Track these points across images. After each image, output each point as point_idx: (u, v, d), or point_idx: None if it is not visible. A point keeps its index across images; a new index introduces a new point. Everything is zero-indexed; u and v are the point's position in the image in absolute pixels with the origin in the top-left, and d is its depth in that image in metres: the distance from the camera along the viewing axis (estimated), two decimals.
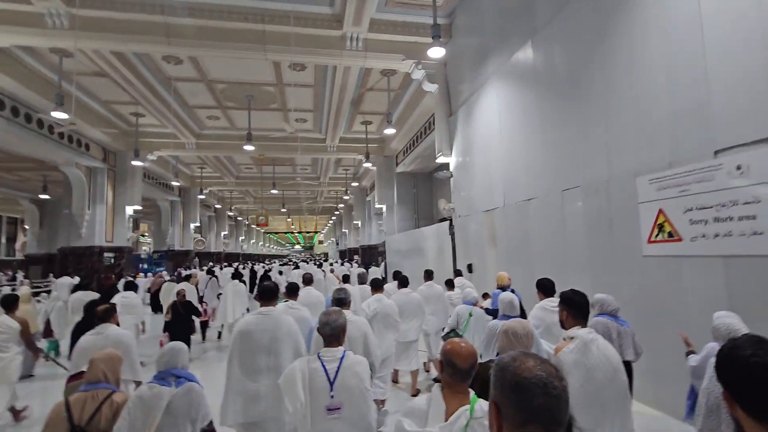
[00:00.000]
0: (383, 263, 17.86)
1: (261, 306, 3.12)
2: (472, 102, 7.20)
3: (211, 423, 2.27)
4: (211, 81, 10.50)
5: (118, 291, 8.59)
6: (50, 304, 7.60)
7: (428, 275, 5.93)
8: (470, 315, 4.40)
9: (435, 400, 1.69)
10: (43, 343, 6.78)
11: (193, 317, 6.81)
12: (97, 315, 3.50)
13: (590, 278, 4.25)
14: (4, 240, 30.91)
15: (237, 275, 11.02)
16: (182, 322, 6.51)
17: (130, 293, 6.86)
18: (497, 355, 2.24)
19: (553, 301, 3.37)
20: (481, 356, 3.18)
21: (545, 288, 3.64)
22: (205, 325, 9.01)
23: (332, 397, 2.11)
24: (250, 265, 23.75)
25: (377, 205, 16.11)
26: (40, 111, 9.91)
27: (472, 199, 7.19)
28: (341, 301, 3.41)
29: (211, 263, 24.65)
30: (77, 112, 11.07)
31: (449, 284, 6.21)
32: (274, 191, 19.44)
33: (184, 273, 14.03)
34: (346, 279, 6.69)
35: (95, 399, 2.06)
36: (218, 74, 10.17)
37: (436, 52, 5.94)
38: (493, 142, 6.40)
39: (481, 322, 4.32)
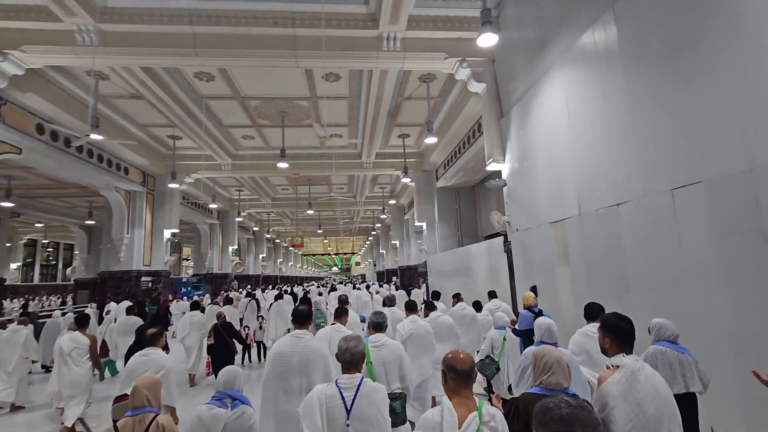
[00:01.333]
0: (424, 285, 16.79)
1: (295, 329, 3.21)
2: (529, 98, 6.23)
3: None
4: (244, 98, 10.19)
5: (170, 314, 10.77)
6: (104, 326, 8.45)
7: (457, 298, 6.32)
8: (504, 339, 4.33)
9: (447, 411, 1.83)
10: None
11: (234, 340, 7.06)
12: (146, 338, 3.78)
13: (725, 299, 3.11)
14: (61, 265, 32.63)
15: (280, 297, 11.54)
16: (224, 344, 6.82)
17: (197, 312, 8.19)
18: (537, 384, 2.02)
19: (596, 326, 3.02)
20: (516, 385, 3.17)
21: (591, 312, 3.48)
22: (247, 349, 9.19)
23: (348, 425, 2.08)
24: (290, 288, 23.72)
25: (417, 223, 15.18)
26: (77, 134, 9.94)
27: (535, 209, 6.12)
28: (379, 325, 3.43)
29: (249, 286, 24.53)
30: (116, 135, 11.12)
31: (477, 306, 6.18)
32: (310, 212, 19.02)
33: (229, 295, 13.68)
34: (389, 302, 6.10)
35: (142, 423, 2.15)
36: (251, 90, 9.84)
37: (488, 40, 5.09)
38: (560, 139, 5.37)
39: (516, 347, 4.26)
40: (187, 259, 32.08)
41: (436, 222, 14.38)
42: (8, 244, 26.94)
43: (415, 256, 20.85)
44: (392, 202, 18.99)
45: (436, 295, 7.01)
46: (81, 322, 5.39)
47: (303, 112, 11.23)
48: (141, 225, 13.18)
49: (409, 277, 21.48)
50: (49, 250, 31.89)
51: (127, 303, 10.38)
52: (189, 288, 19.56)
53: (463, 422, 1.78)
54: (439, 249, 14.08)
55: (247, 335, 9.06)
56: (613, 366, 2.04)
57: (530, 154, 6.28)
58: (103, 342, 8.01)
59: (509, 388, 4.21)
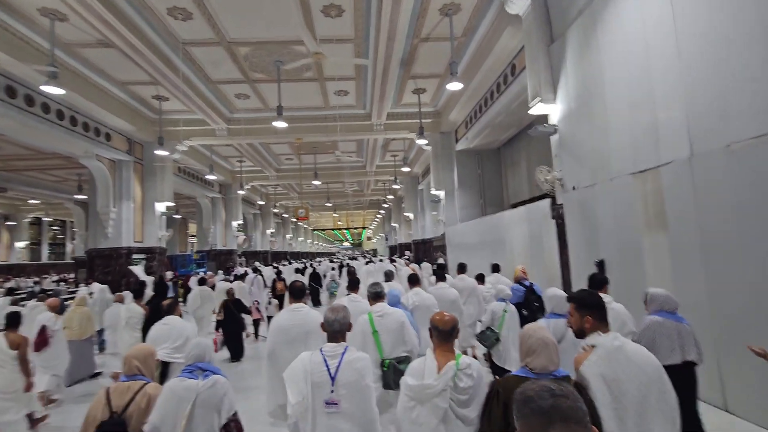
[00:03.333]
0: (441, 259, 15.44)
1: (291, 303, 3.41)
2: (597, 10, 4.57)
3: (236, 414, 2.35)
4: (231, 43, 8.61)
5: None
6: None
7: (461, 268, 6.35)
8: (505, 312, 4.47)
9: (428, 360, 2.13)
10: None
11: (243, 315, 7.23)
12: (163, 308, 4.13)
13: None
14: (70, 244, 32.03)
15: (298, 271, 12.78)
16: (233, 320, 6.95)
17: (206, 287, 8.41)
18: (522, 366, 1.89)
19: (605, 298, 2.77)
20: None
21: (596, 283, 3.39)
22: (257, 323, 9.07)
23: (332, 392, 2.14)
24: (304, 264, 22.70)
25: (433, 191, 13.66)
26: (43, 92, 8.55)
27: (604, 158, 4.58)
28: (378, 294, 3.54)
29: (257, 262, 23.57)
30: (92, 96, 9.71)
31: (480, 278, 6.18)
32: (316, 182, 17.61)
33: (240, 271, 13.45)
34: (386, 277, 5.88)
35: (131, 389, 2.23)
36: (238, 32, 8.24)
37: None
38: (655, 58, 3.76)
39: (516, 319, 4.51)
40: (194, 236, 31.23)
41: (456, 190, 12.85)
42: (13, 223, 26.39)
43: (431, 229, 19.45)
44: (406, 169, 17.43)
45: (462, 267, 6.56)
46: (12, 322, 4.38)
47: (302, 62, 9.61)
48: (129, 198, 11.94)
49: (424, 251, 20.16)
50: (55, 228, 31.28)
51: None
52: (192, 265, 18.57)
53: (442, 369, 2.06)
54: (460, 219, 12.62)
55: (257, 309, 9.03)
56: (588, 346, 1.94)
57: (597, 87, 4.67)
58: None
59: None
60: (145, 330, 4.78)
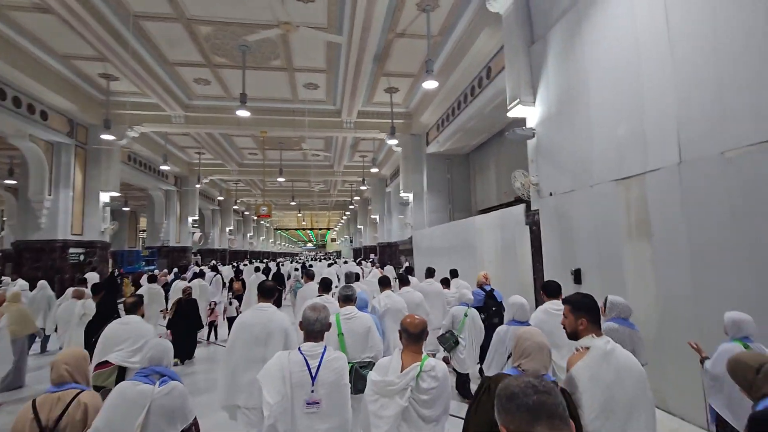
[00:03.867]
0: (405, 264, 15.16)
1: (259, 302, 3.31)
2: (582, 10, 4.39)
3: (195, 419, 2.24)
4: (191, 21, 7.88)
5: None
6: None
7: (429, 273, 6.36)
8: (465, 316, 4.49)
9: (394, 358, 2.22)
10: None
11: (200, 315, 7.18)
12: (126, 306, 3.79)
13: None
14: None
15: (259, 270, 12.36)
16: (185, 320, 6.77)
17: (155, 285, 8.33)
18: (515, 366, 1.88)
19: (558, 305, 3.24)
20: (488, 366, 3.39)
21: (551, 290, 3.44)
22: (213, 325, 8.78)
23: (313, 391, 2.14)
24: (265, 263, 21.93)
25: (402, 194, 13.36)
26: None
27: (585, 164, 4.39)
28: (348, 297, 3.50)
29: (213, 261, 22.34)
30: (24, 68, 8.61)
31: (445, 282, 6.19)
32: (280, 179, 16.86)
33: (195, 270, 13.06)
34: (347, 279, 5.96)
35: (62, 400, 1.99)
36: (199, 9, 7.55)
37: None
38: (646, 60, 3.59)
39: (477, 323, 4.58)
40: (145, 231, 29.31)
41: (425, 193, 12.62)
42: None
43: (397, 233, 19.15)
44: (375, 170, 17.05)
45: (431, 272, 6.57)
46: None
47: (270, 48, 9.01)
48: (68, 185, 10.77)
49: (390, 254, 19.83)
50: None
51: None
52: (140, 263, 17.21)
53: (405, 368, 2.14)
54: (428, 224, 12.38)
55: (212, 311, 8.67)
56: (582, 348, 1.96)
57: (580, 89, 4.49)
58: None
59: (480, 371, 4.33)
60: (90, 330, 4.41)
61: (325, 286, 4.69)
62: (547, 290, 3.48)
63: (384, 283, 4.75)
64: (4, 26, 7.71)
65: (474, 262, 7.73)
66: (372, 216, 22.12)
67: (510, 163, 10.26)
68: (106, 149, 11.60)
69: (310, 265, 18.32)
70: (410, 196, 13.21)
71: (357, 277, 7.40)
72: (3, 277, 11.10)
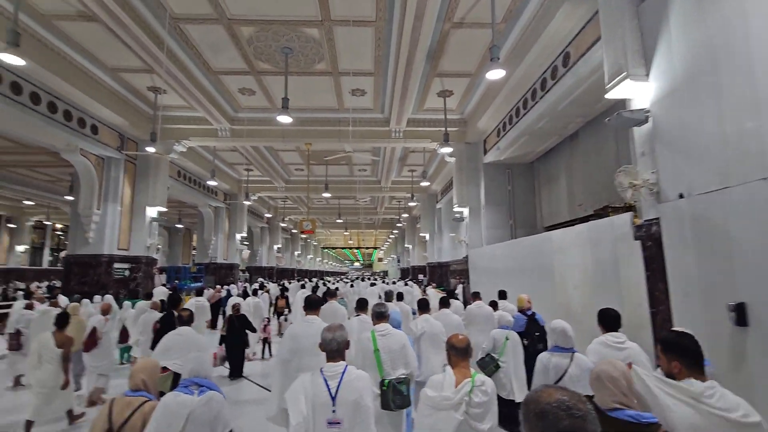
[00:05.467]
0: (460, 286, 13.75)
1: (306, 315, 3.61)
2: None
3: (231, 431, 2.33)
4: (232, 21, 7.41)
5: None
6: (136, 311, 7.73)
7: (476, 295, 6.36)
8: (506, 339, 4.33)
9: (448, 374, 2.35)
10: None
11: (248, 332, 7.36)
12: (181, 318, 4.19)
13: None
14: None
15: (303, 287, 13.28)
16: (236, 336, 7.01)
17: (202, 299, 9.32)
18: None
19: (618, 338, 3.05)
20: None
21: (608, 320, 3.13)
22: (266, 342, 8.97)
23: (334, 411, 2.16)
24: (315, 281, 22.76)
25: (456, 209, 12.09)
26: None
27: (744, 151, 3.00)
28: (381, 314, 3.56)
29: (261, 279, 22.17)
30: (75, 81, 8.59)
31: (494, 305, 5.95)
32: (326, 194, 16.24)
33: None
34: (423, 306, 5.18)
35: (131, 405, 2.19)
36: (240, 8, 7.04)
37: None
38: None
39: (518, 347, 4.37)
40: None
41: (482, 208, 11.28)
42: (14, 226, 25.62)
43: (448, 252, 17.77)
44: (425, 184, 15.94)
45: (477, 295, 6.56)
46: (60, 323, 4.93)
47: (313, 50, 8.36)
48: (116, 200, 10.70)
49: (440, 275, 18.44)
50: (59, 234, 30.51)
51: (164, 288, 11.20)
52: (186, 280, 17.18)
53: (460, 383, 2.27)
54: (486, 241, 10.99)
55: (265, 327, 8.83)
56: None
57: (728, 49, 3.15)
58: (124, 328, 7.69)
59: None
60: (156, 339, 4.83)
61: (361, 305, 4.76)
62: (604, 321, 3.16)
63: (422, 306, 4.73)
64: (53, 37, 7.66)
65: (551, 287, 6.30)
66: (421, 234, 20.91)
67: (587, 170, 8.74)
68: (154, 164, 11.53)
69: (351, 284, 17.73)
70: (465, 211, 11.92)
71: (400, 296, 7.46)
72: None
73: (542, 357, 3.06)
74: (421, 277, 22.84)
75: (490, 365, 4.27)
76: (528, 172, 11.30)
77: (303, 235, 34.30)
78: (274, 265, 27.65)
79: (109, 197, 10.59)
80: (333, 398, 2.16)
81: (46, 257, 29.56)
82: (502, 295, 6.50)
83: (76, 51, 8.17)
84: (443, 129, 10.29)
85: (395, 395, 3.05)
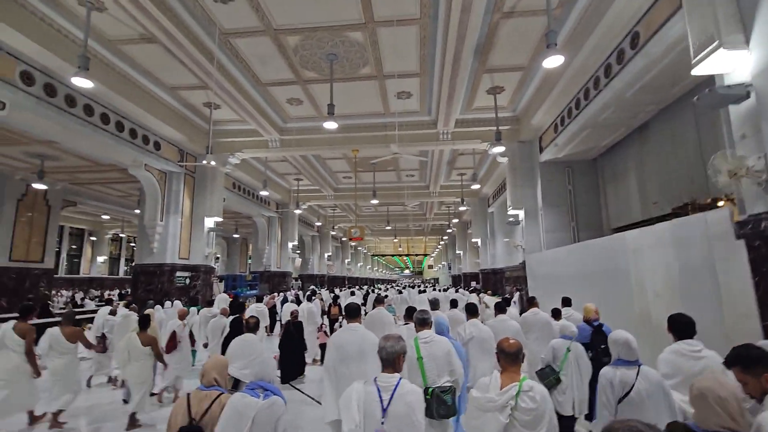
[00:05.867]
0: (517, 293, 12.96)
1: (348, 323, 3.65)
2: None
3: None
4: (278, 32, 7.50)
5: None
6: (200, 317, 8.58)
7: (531, 302, 5.93)
8: (568, 350, 4.02)
9: (494, 377, 2.32)
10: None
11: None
12: (248, 325, 4.45)
13: None
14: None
15: (353, 294, 14.15)
16: (292, 341, 7.15)
17: (261, 305, 10.12)
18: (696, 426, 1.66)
19: (694, 346, 2.83)
20: (596, 416, 2.98)
21: (681, 326, 2.91)
22: (323, 347, 8.78)
23: (383, 423, 2.15)
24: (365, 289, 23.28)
25: (510, 212, 11.43)
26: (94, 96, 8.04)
27: None
28: (424, 321, 3.54)
29: (312, 286, 22.53)
30: (139, 101, 9.17)
31: (556, 313, 5.51)
32: (374, 201, 16.14)
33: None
34: (471, 310, 4.95)
35: (208, 397, 2.38)
36: (285, 16, 7.10)
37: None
38: None
39: (582, 359, 4.08)
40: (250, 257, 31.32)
41: (540, 210, 10.54)
42: (94, 239, 28.24)
43: (502, 257, 16.94)
44: (476, 186, 15.38)
45: (532, 301, 6.13)
46: (143, 324, 5.48)
47: (358, 54, 8.27)
48: (178, 211, 11.27)
49: (494, 282, 17.61)
50: (132, 245, 33.18)
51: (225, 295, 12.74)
52: (242, 287, 17.80)
53: (505, 387, 2.22)
54: (545, 245, 10.24)
55: (325, 332, 8.89)
56: None
57: None
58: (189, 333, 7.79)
59: (587, 416, 4.08)
60: (225, 344, 5.25)
61: (410, 313, 4.73)
62: (676, 327, 2.95)
63: (470, 311, 4.65)
64: (118, 60, 8.21)
65: (626, 295, 5.59)
66: (473, 240, 20.18)
67: (661, 164, 7.83)
68: (211, 176, 12.04)
69: (400, 292, 17.45)
70: (520, 214, 11.23)
71: (454, 303, 7.39)
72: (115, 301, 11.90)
73: (606, 372, 2.83)
74: (473, 284, 22.03)
75: (549, 377, 4.00)
76: (590, 170, 10.42)
77: (352, 243, 34.63)
78: (325, 273, 28.05)
79: (171, 209, 11.18)
80: (384, 410, 2.15)
81: (122, 267, 32.27)
82: (566, 302, 6.07)
83: (139, 72, 8.72)
84: (494, 128, 9.77)
85: (439, 405, 2.97)
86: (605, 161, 10.02)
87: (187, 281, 11.46)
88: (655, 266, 5.00)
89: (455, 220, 24.73)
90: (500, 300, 7.67)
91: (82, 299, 18.01)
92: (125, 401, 5.77)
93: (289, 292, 17.51)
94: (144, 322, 5.41)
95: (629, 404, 2.58)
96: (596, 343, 4.46)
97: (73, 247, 27.51)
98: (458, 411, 3.19)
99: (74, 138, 8.52)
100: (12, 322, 5.05)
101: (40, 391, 5.17)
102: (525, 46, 7.94)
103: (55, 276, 24.97)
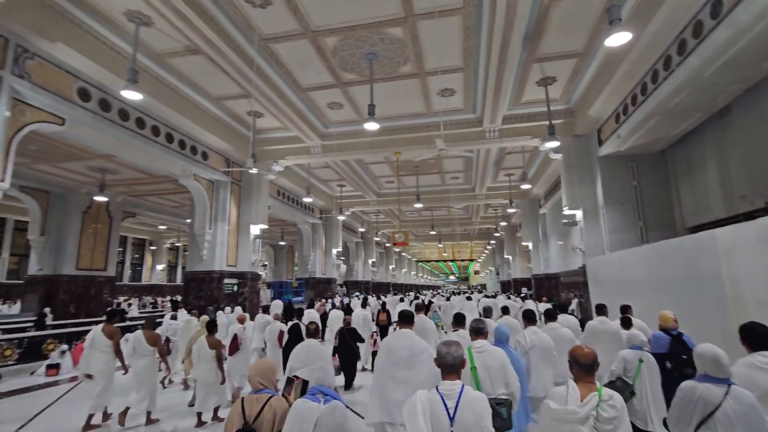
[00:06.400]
0: (575, 300, 11.99)
1: (399, 328, 3.80)
2: None
3: None
4: (316, 33, 7.38)
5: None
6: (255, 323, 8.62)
7: (600, 309, 5.56)
8: (641, 361, 3.81)
9: (572, 387, 2.22)
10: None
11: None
12: (308, 331, 4.47)
13: None
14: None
15: (402, 300, 14.21)
16: (347, 347, 7.21)
17: (312, 310, 10.04)
18: None
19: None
20: (673, 426, 2.65)
21: (756, 336, 2.69)
22: (375, 354, 8.90)
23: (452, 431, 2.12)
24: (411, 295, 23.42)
25: (566, 212, 10.56)
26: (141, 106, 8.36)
27: None
28: (479, 330, 3.48)
29: (357, 293, 22.44)
30: (186, 112, 9.44)
31: (626, 323, 4.89)
32: (418, 205, 15.72)
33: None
34: (529, 317, 4.71)
35: (260, 401, 2.43)
36: (322, 17, 6.95)
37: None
38: None
39: (656, 370, 3.83)
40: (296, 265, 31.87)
41: (601, 208, 9.63)
42: (153, 248, 30.04)
43: (557, 262, 15.85)
44: (526, 187, 14.50)
45: (601, 309, 5.63)
46: (210, 329, 5.79)
47: (397, 52, 7.96)
48: (225, 219, 11.50)
49: (548, 288, 16.50)
50: (187, 253, 34.93)
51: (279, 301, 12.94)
52: (288, 294, 17.98)
53: (584, 398, 2.13)
54: (608, 248, 9.31)
55: (375, 341, 8.82)
56: None
57: None
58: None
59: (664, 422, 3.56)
60: (286, 349, 5.64)
61: (459, 320, 4.68)
62: (750, 338, 2.70)
63: (529, 318, 4.48)
64: (167, 74, 8.47)
65: (717, 303, 4.77)
66: (523, 243, 19.13)
67: (748, 152, 6.80)
68: (256, 184, 12.22)
69: (448, 298, 16.87)
70: (578, 214, 10.33)
71: (505, 310, 7.04)
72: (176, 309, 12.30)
73: (686, 386, 2.55)
74: (524, 290, 20.88)
75: (624, 391, 3.72)
76: (659, 163, 9.37)
77: (396, 248, 34.31)
78: (370, 280, 27.90)
79: (219, 217, 11.43)
80: (451, 419, 2.09)
81: (179, 274, 34.06)
82: (625, 310, 5.56)
83: (186, 84, 8.96)
84: (545, 123, 9.06)
85: (494, 417, 2.89)
86: (677, 152, 8.96)
87: (235, 288, 11.63)
88: (755, 269, 4.19)
89: (503, 224, 23.68)
90: (550, 307, 7.19)
91: (129, 305, 19.02)
92: (191, 405, 6.09)
93: (338, 298, 17.51)
94: (211, 326, 5.70)
95: (712, 427, 2.30)
96: (677, 353, 4.09)
97: (136, 256, 29.40)
98: (513, 426, 3.09)
99: (128, 150, 8.88)
100: (101, 326, 5.58)
101: (125, 391, 5.66)
102: (580, 28, 7.25)
103: (119, 283, 26.88)
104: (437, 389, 2.22)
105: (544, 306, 10.37)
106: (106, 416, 5.57)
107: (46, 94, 6.68)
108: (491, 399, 2.90)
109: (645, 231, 9.17)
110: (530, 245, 18.18)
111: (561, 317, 6.30)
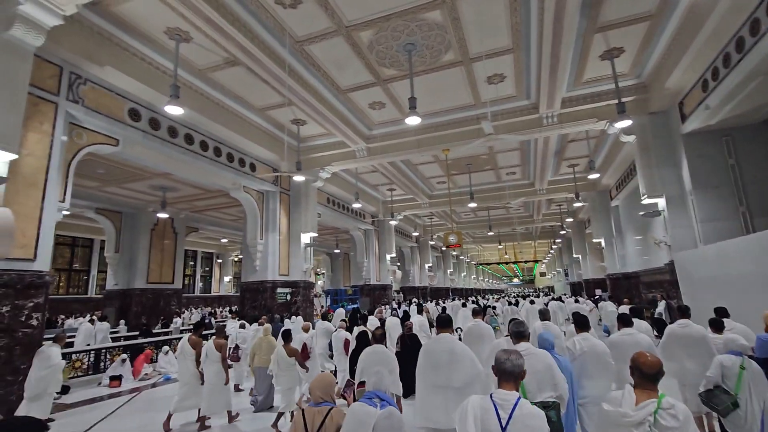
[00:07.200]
0: (663, 302, 10.46)
1: (438, 333, 3.80)
2: None
3: None
4: (350, 29, 7.03)
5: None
6: (317, 330, 8.61)
7: (682, 312, 4.99)
8: (742, 368, 3.52)
9: (627, 391, 2.17)
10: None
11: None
12: (375, 337, 4.54)
13: None
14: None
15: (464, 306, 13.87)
16: (409, 353, 6.88)
17: (372, 317, 9.54)
18: None
19: None
20: None
21: None
22: None
23: None
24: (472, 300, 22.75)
25: (645, 201, 9.20)
26: (192, 127, 8.57)
27: None
28: (521, 333, 3.45)
29: (413, 299, 21.85)
30: (233, 125, 9.57)
31: (716, 326, 4.60)
32: (471, 205, 14.83)
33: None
34: (582, 323, 4.35)
35: (321, 413, 2.51)
36: (355, 10, 6.59)
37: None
38: None
39: (762, 378, 3.49)
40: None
41: (690, 194, 8.23)
42: (220, 260, 31.74)
43: (635, 259, 14.10)
44: (594, 176, 13.07)
45: (683, 311, 4.99)
46: (286, 338, 6.19)
47: (438, 39, 7.38)
48: (275, 229, 11.55)
49: (627, 288, 14.75)
50: None
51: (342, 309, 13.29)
52: (343, 301, 17.82)
53: (640, 403, 2.06)
54: (701, 240, 7.90)
55: None
56: None
57: None
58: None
59: None
60: (353, 356, 5.68)
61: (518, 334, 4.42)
62: None
63: (581, 323, 4.32)
64: (210, 89, 8.61)
65: None
66: (594, 240, 17.37)
67: None
68: (304, 193, 12.17)
69: (515, 303, 15.71)
70: (660, 203, 8.95)
71: (546, 314, 6.49)
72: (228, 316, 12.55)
73: None
74: (599, 292, 18.97)
75: (726, 402, 3.44)
76: (762, 135, 7.81)
77: (453, 252, 33.20)
78: (427, 285, 27.14)
79: (269, 227, 11.49)
80: (503, 429, 2.03)
81: None
82: (722, 313, 5.11)
83: (229, 98, 9.07)
84: (613, 101, 7.95)
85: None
86: None
87: (288, 297, 11.60)
88: None
89: (569, 220, 21.83)
90: (626, 311, 6.29)
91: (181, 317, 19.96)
92: (253, 404, 6.55)
93: (391, 305, 17.05)
94: (286, 336, 6.07)
95: None
96: None
97: (206, 268, 31.28)
98: (563, 429, 2.96)
99: (180, 166, 9.15)
100: (187, 335, 6.06)
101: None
102: None
103: (191, 295, 28.69)
104: (491, 397, 2.13)
105: (625, 308, 9.08)
106: (201, 420, 5.81)
107: (100, 116, 6.98)
108: (539, 402, 2.83)
109: (750, 217, 7.65)
110: (602, 242, 16.43)
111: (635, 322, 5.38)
